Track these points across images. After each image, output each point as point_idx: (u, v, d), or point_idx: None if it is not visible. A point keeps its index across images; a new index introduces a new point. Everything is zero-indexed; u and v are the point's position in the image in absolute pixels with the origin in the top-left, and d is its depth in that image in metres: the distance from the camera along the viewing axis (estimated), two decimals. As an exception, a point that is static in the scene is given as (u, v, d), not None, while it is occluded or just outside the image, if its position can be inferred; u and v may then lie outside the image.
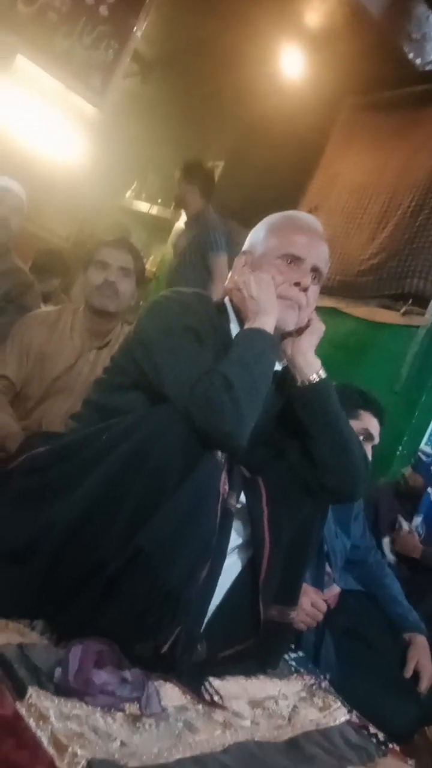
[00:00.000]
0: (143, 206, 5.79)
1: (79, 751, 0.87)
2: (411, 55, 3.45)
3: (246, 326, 1.28)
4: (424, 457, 2.66)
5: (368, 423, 1.90)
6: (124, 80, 4.19)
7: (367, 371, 3.29)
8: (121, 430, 1.15)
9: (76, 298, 3.16)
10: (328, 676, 1.67)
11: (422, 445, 3.05)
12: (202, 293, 1.41)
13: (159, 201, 5.66)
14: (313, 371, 1.33)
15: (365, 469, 1.34)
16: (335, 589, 1.98)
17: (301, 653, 1.69)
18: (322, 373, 1.34)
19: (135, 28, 3.82)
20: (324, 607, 1.65)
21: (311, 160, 4.09)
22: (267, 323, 1.27)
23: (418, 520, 2.46)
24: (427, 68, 3.56)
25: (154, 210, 5.68)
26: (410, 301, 3.25)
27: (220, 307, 1.39)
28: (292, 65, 4.04)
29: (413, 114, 3.46)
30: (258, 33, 3.86)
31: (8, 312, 2.32)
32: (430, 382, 3.25)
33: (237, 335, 1.29)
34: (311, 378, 1.33)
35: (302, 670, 1.58)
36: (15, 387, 1.98)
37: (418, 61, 3.48)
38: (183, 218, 5.32)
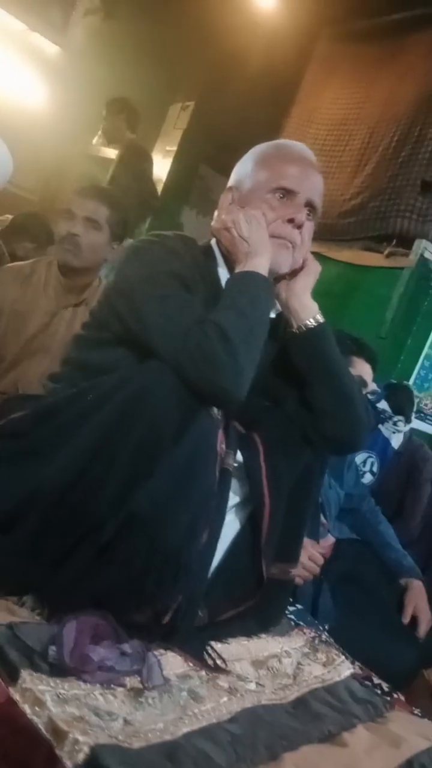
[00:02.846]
0: (111, 153, 5.54)
1: (80, 738, 0.82)
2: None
3: (237, 269, 1.18)
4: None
5: (361, 369, 1.84)
6: (85, 17, 3.93)
7: (352, 317, 3.21)
8: (108, 388, 1.06)
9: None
10: (326, 626, 1.65)
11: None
12: (186, 236, 1.30)
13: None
14: (310, 315, 1.24)
15: (367, 417, 1.27)
16: (330, 540, 1.96)
17: (299, 606, 1.66)
18: (320, 317, 1.25)
19: None
20: (321, 560, 1.62)
21: (288, 96, 3.91)
22: (260, 265, 1.17)
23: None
24: (406, -8, 3.37)
25: (123, 156, 5.45)
26: (394, 242, 3.16)
27: (207, 251, 1.29)
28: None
29: (396, 43, 3.29)
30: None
31: None
32: (416, 326, 3.20)
33: (229, 280, 1.19)
34: (308, 322, 1.24)
35: (301, 623, 1.55)
36: (-12, 348, 1.87)
37: (396, -15, 3.30)
38: (156, 165, 5.14)
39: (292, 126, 3.84)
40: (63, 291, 1.91)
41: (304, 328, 1.24)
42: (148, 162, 4.18)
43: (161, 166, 5.10)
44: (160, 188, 5.02)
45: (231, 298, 1.13)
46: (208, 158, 5.13)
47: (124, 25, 4.83)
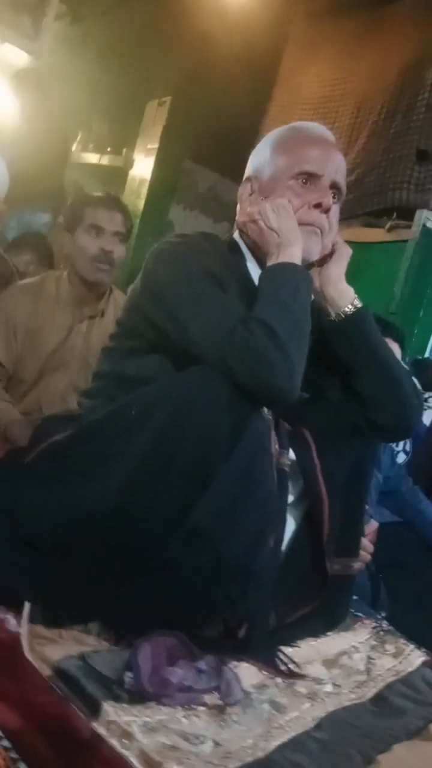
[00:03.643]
0: (92, 158, 5.50)
1: (175, 767, 0.79)
2: None
3: (270, 262, 1.13)
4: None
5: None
6: (54, 23, 3.86)
7: (360, 295, 3.15)
8: (151, 400, 1.02)
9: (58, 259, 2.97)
10: (383, 614, 1.63)
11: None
12: (208, 233, 1.25)
13: (108, 149, 5.37)
14: (348, 301, 1.20)
15: (418, 400, 1.23)
16: (374, 525, 1.92)
17: (355, 597, 1.63)
18: (357, 302, 1.21)
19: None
20: (371, 548, 1.58)
21: (268, 80, 3.85)
22: (294, 255, 1.12)
23: None
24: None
25: (105, 159, 5.40)
26: (395, 216, 3.12)
27: (232, 246, 1.24)
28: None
29: (377, 14, 3.23)
30: None
31: None
32: (426, 298, 3.16)
33: (264, 273, 1.14)
34: (346, 309, 1.19)
35: (360, 614, 1.52)
36: (7, 370, 1.83)
37: None
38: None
39: (275, 109, 3.79)
40: (77, 304, 1.86)
41: (344, 315, 1.19)
42: None
43: (144, 165, 5.05)
44: (145, 187, 4.97)
45: (271, 292, 1.08)
46: (190, 152, 5.07)
47: (92, 27, 4.77)
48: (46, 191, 2.09)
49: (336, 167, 1.20)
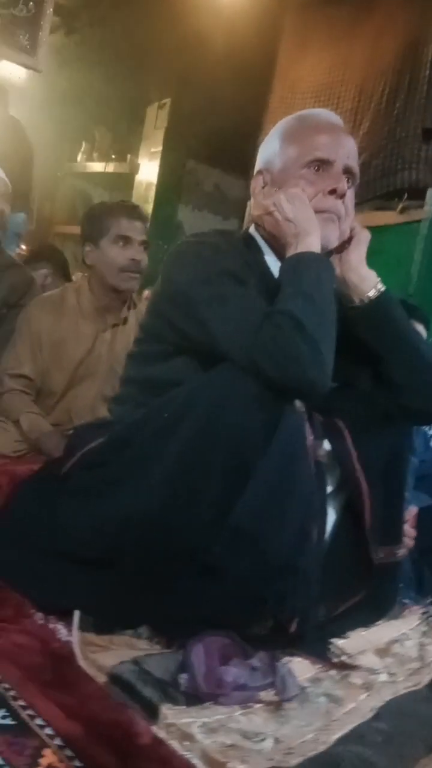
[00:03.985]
0: (98, 166, 5.53)
1: (239, 767, 0.78)
2: None
3: (289, 253, 1.12)
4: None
5: (415, 332, 1.77)
6: (50, 36, 3.88)
7: (377, 280, 3.14)
8: (182, 402, 1.02)
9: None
10: (431, 599, 1.61)
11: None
12: (224, 230, 1.25)
13: (113, 157, 5.39)
14: (371, 286, 1.18)
15: None
16: (413, 511, 1.90)
17: (401, 584, 1.61)
18: (380, 286, 1.19)
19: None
20: (413, 533, 1.56)
21: (266, 74, 3.83)
22: (313, 244, 1.11)
23: None
24: None
25: (111, 167, 5.43)
26: (405, 197, 3.08)
27: (248, 241, 1.23)
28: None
29: (368, -3, 3.20)
30: None
31: (8, 319, 1.99)
32: (444, 277, 3.12)
33: (284, 265, 1.13)
34: (370, 294, 1.18)
35: (408, 601, 1.51)
36: (36, 383, 1.84)
37: None
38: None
39: (276, 102, 3.77)
40: (101, 313, 1.87)
41: (368, 300, 1.18)
42: None
43: (149, 169, 5.06)
44: (152, 191, 4.99)
45: (293, 283, 1.07)
46: (193, 152, 5.07)
47: (87, 37, 4.79)
48: (18, 191, 2.16)
49: (347, 152, 1.19)
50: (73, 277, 3.01)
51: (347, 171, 1.19)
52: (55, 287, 2.18)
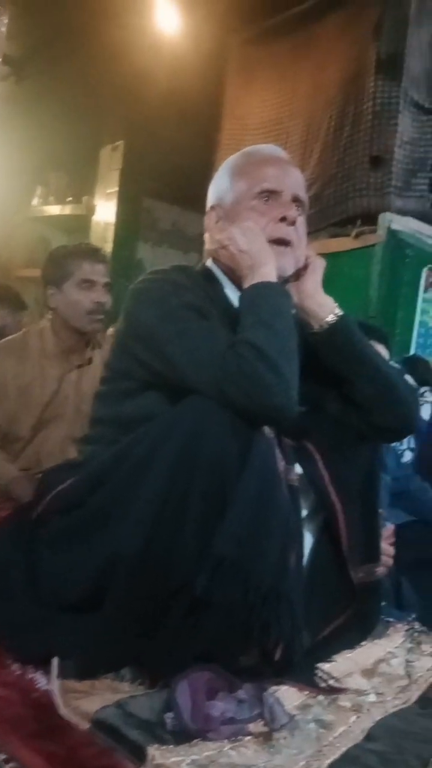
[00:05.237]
0: (54, 209, 5.56)
1: (233, 802, 0.76)
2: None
3: (246, 285, 1.14)
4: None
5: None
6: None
7: (338, 303, 3.19)
8: (154, 437, 1.02)
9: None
10: (413, 615, 1.61)
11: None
12: (183, 266, 1.26)
13: (69, 199, 5.44)
14: (329, 311, 1.21)
15: (414, 399, 1.24)
16: (390, 528, 1.91)
17: (383, 602, 1.61)
18: (338, 311, 1.22)
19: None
20: (392, 552, 1.57)
21: (215, 110, 3.92)
22: (268, 274, 1.13)
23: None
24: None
25: (67, 209, 5.46)
26: (359, 223, 3.16)
27: (207, 274, 1.25)
28: (167, 20, 3.84)
29: (307, 32, 3.31)
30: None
31: None
32: (401, 297, 3.19)
33: (242, 296, 1.15)
34: (328, 320, 1.20)
35: (391, 619, 1.51)
36: (2, 429, 1.82)
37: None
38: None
39: (226, 138, 3.85)
40: (65, 355, 1.87)
41: (327, 326, 1.20)
42: None
43: (106, 209, 5.11)
44: (111, 231, 5.03)
45: (252, 314, 1.09)
46: (150, 191, 5.14)
47: (38, 84, 4.86)
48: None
49: (294, 181, 1.23)
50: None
51: (296, 199, 1.22)
52: (15, 323, 2.18)
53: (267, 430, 1.04)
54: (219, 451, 0.97)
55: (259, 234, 1.16)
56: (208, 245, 1.26)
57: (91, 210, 5.22)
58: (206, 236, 1.28)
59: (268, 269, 1.13)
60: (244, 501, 0.97)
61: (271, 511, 0.99)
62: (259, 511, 0.97)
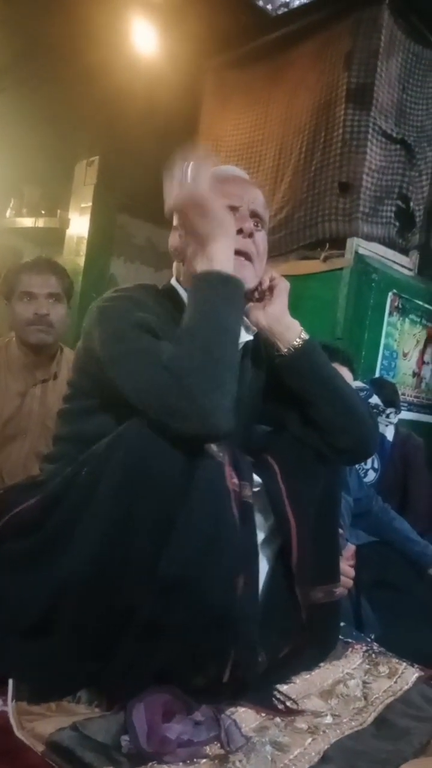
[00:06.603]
0: (27, 222, 5.54)
1: None
2: (261, 2, 3.38)
3: (196, 266, 1.09)
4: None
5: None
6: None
7: (305, 325, 3.22)
8: (99, 459, 1.01)
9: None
10: (372, 636, 1.62)
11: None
12: (147, 284, 1.27)
13: (42, 212, 5.42)
14: (296, 335, 1.23)
15: (374, 423, 1.27)
16: (351, 548, 1.93)
17: (342, 623, 1.63)
18: (304, 335, 1.24)
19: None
20: (352, 573, 1.59)
21: (191, 130, 3.97)
22: (215, 255, 1.07)
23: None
24: (279, 12, 3.50)
25: (41, 222, 5.44)
26: (327, 246, 3.22)
27: (170, 293, 1.26)
28: (146, 41, 3.89)
29: (281, 59, 3.38)
30: (103, 12, 3.69)
31: None
32: (368, 320, 3.26)
33: (190, 289, 1.13)
34: (295, 343, 1.22)
35: (350, 640, 1.52)
36: (-36, 445, 1.80)
37: (268, 7, 3.41)
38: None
39: (200, 158, 3.89)
40: (29, 369, 1.86)
41: (293, 349, 1.22)
42: None
43: (80, 224, 5.09)
44: (84, 245, 5.03)
45: (185, 323, 1.06)
46: (124, 207, 5.16)
47: (12, 98, 4.86)
48: None
49: (253, 198, 1.24)
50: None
51: (254, 215, 1.24)
52: None
53: (214, 448, 1.04)
54: (163, 471, 0.97)
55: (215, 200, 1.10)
56: (174, 272, 1.27)
57: (64, 224, 5.21)
58: (174, 266, 1.29)
59: (215, 246, 1.08)
60: (189, 522, 0.97)
61: (218, 530, 0.99)
62: (205, 531, 0.97)
